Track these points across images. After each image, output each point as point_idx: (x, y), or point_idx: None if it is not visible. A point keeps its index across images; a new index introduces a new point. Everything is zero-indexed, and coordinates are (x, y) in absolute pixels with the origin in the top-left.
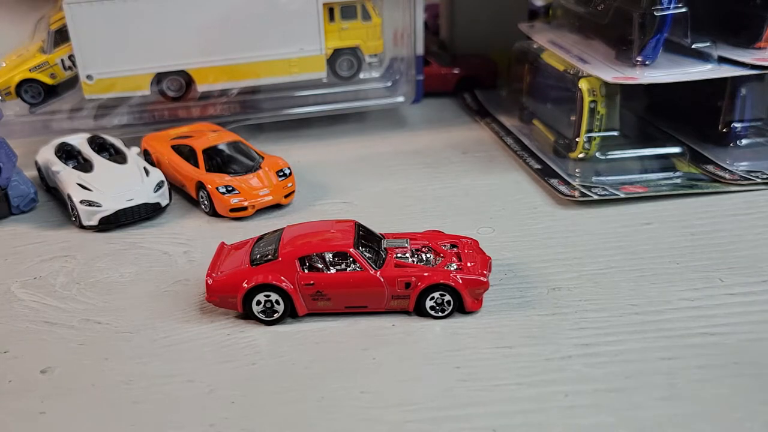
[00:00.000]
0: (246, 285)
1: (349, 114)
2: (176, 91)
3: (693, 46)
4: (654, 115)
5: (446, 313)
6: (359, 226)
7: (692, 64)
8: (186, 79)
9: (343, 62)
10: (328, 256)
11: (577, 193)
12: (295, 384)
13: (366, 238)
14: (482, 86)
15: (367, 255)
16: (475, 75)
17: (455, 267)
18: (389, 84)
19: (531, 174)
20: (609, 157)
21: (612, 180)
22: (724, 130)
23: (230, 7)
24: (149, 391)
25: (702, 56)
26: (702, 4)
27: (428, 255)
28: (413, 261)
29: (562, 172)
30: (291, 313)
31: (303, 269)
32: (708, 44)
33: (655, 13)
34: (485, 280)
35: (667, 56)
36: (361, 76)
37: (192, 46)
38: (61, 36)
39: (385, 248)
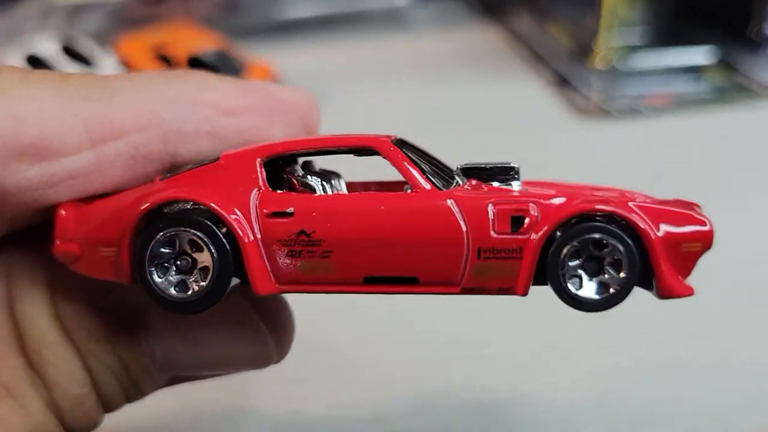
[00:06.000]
0: (138, 208)
1: (345, 17)
2: None
3: None
4: (682, 15)
5: (614, 290)
6: (403, 141)
7: None
8: None
9: None
10: (325, 166)
11: (595, 107)
12: None
13: (419, 152)
14: None
15: (422, 165)
16: None
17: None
18: None
19: (545, 85)
20: (631, 65)
21: (633, 92)
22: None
23: None
24: None
25: None
26: None
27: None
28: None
29: (580, 83)
30: (237, 286)
31: (271, 185)
32: None
33: None
34: (703, 221)
35: None
36: None
37: None
38: None
39: (459, 172)
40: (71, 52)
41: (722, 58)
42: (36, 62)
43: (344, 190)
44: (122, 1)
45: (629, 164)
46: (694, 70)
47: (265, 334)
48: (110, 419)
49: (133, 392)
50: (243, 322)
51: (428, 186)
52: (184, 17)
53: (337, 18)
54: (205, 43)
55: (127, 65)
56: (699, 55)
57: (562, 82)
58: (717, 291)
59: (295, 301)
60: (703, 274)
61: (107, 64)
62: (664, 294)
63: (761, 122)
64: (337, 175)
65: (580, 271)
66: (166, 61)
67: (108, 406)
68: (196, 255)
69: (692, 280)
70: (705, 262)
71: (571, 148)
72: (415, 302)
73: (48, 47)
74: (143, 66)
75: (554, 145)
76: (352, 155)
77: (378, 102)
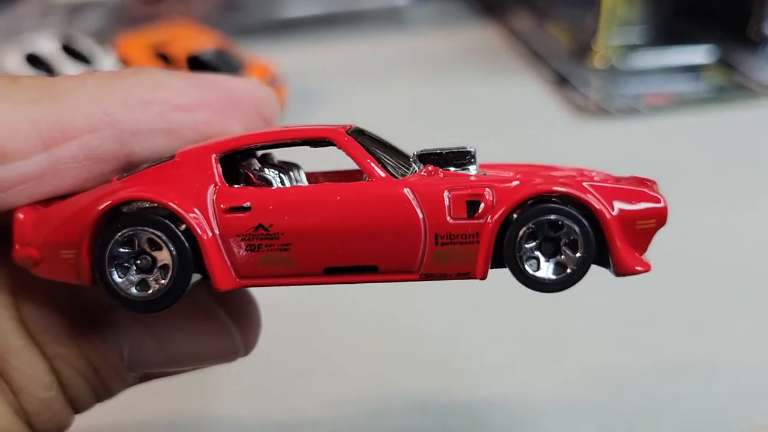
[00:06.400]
0: (95, 209)
1: (344, 16)
2: None
3: None
4: (681, 15)
5: (571, 270)
6: (359, 130)
7: None
8: None
9: None
10: (284, 158)
11: (595, 106)
12: None
13: (375, 141)
14: None
15: (377, 153)
16: None
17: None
18: None
19: (544, 84)
20: (630, 64)
21: (633, 91)
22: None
23: None
24: None
25: None
26: None
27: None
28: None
29: (579, 82)
30: (200, 282)
31: (230, 180)
32: None
33: None
34: (657, 198)
35: None
36: None
37: None
38: None
39: (416, 158)
40: (71, 51)
41: (721, 58)
42: (35, 61)
43: (304, 182)
44: (122, 0)
45: (628, 163)
46: (693, 70)
47: (231, 328)
48: (82, 420)
49: (103, 392)
50: (209, 318)
51: (383, 174)
52: (183, 16)
53: (337, 17)
54: (204, 42)
55: (127, 64)
56: (698, 54)
57: (562, 81)
58: (717, 290)
59: (268, 297)
60: (701, 272)
61: (107, 62)
62: (620, 271)
63: (760, 121)
64: (296, 167)
65: (537, 253)
66: (165, 59)
67: (77, 407)
68: (155, 253)
69: (653, 257)
70: (702, 260)
71: (570, 147)
72: (406, 299)
73: (47, 46)
74: (143, 65)
75: (553, 143)
76: (308, 147)
77: (377, 101)
